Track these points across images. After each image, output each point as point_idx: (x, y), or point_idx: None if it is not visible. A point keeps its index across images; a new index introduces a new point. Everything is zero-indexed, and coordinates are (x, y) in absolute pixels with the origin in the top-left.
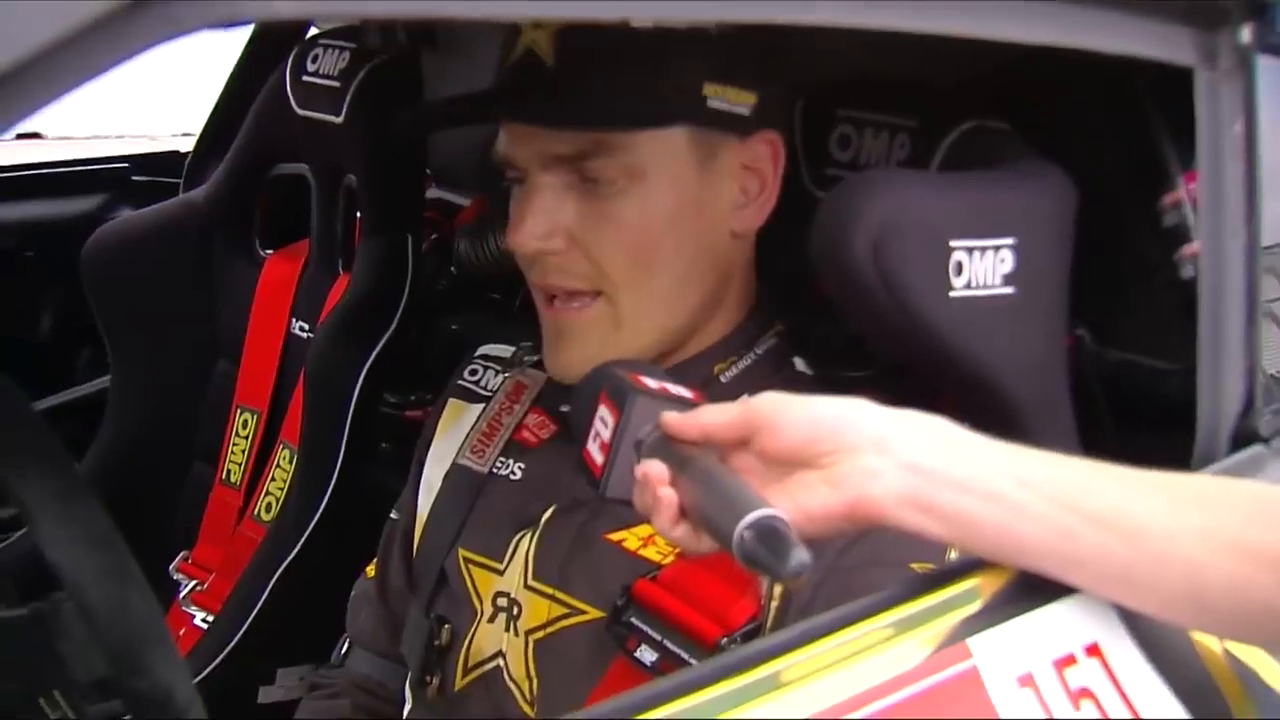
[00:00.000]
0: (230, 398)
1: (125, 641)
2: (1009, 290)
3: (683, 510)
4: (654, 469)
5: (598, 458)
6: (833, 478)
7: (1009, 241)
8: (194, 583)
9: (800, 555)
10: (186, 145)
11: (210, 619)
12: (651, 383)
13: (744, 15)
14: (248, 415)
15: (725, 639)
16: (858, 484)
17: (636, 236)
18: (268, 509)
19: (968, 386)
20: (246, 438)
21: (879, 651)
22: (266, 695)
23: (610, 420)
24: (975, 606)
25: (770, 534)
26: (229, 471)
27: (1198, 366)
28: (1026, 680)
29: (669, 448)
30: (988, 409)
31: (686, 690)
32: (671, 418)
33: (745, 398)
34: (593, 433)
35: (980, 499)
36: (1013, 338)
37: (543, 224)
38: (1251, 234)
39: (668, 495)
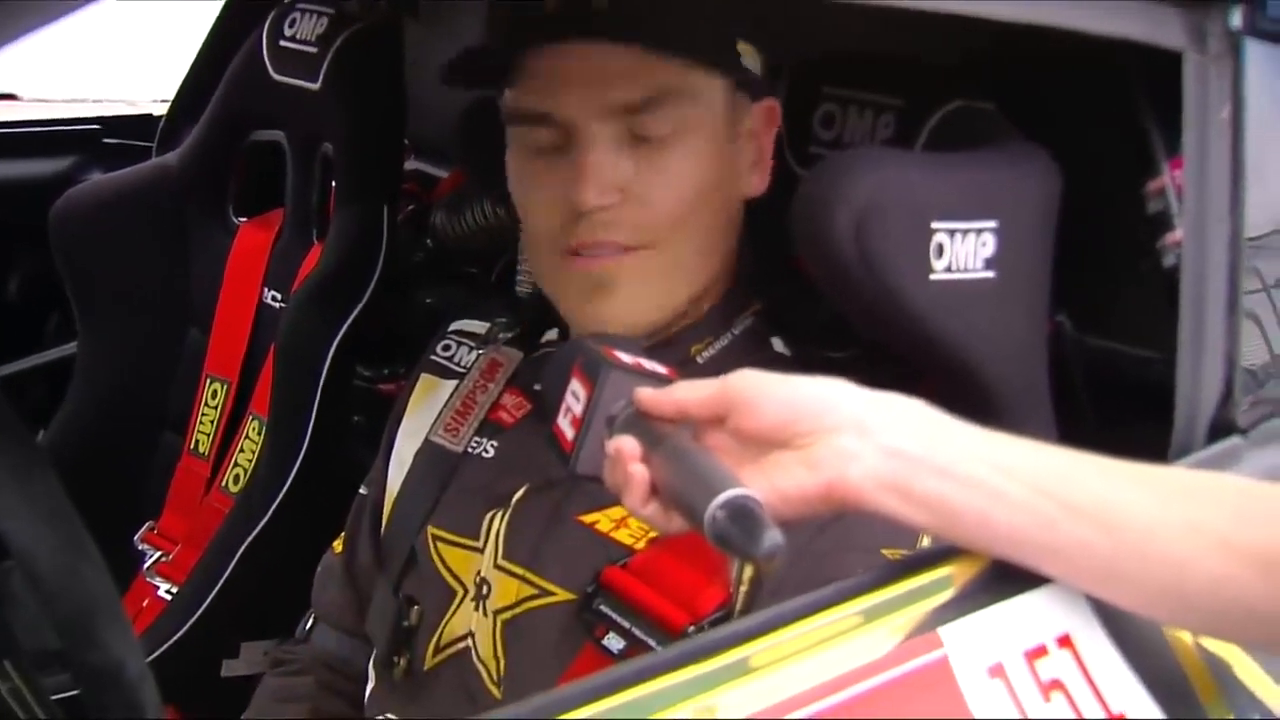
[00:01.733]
0: (200, 366)
1: (76, 613)
2: (990, 274)
3: (654, 488)
4: (626, 445)
5: (569, 433)
6: (810, 459)
7: (991, 224)
8: (159, 553)
9: (773, 536)
10: (161, 110)
11: (175, 590)
12: (626, 357)
13: None
14: (217, 385)
15: (692, 627)
16: (836, 466)
17: (685, 190)
18: (235, 480)
19: (947, 370)
20: (216, 407)
21: (848, 639)
22: (230, 669)
23: (583, 395)
24: (947, 595)
25: (743, 514)
26: (197, 441)
27: (1177, 356)
28: (997, 671)
29: (642, 424)
30: (966, 393)
31: (652, 674)
32: (646, 393)
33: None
34: (564, 407)
35: (960, 485)
36: (993, 322)
37: (605, 179)
38: (1235, 222)
39: (639, 472)
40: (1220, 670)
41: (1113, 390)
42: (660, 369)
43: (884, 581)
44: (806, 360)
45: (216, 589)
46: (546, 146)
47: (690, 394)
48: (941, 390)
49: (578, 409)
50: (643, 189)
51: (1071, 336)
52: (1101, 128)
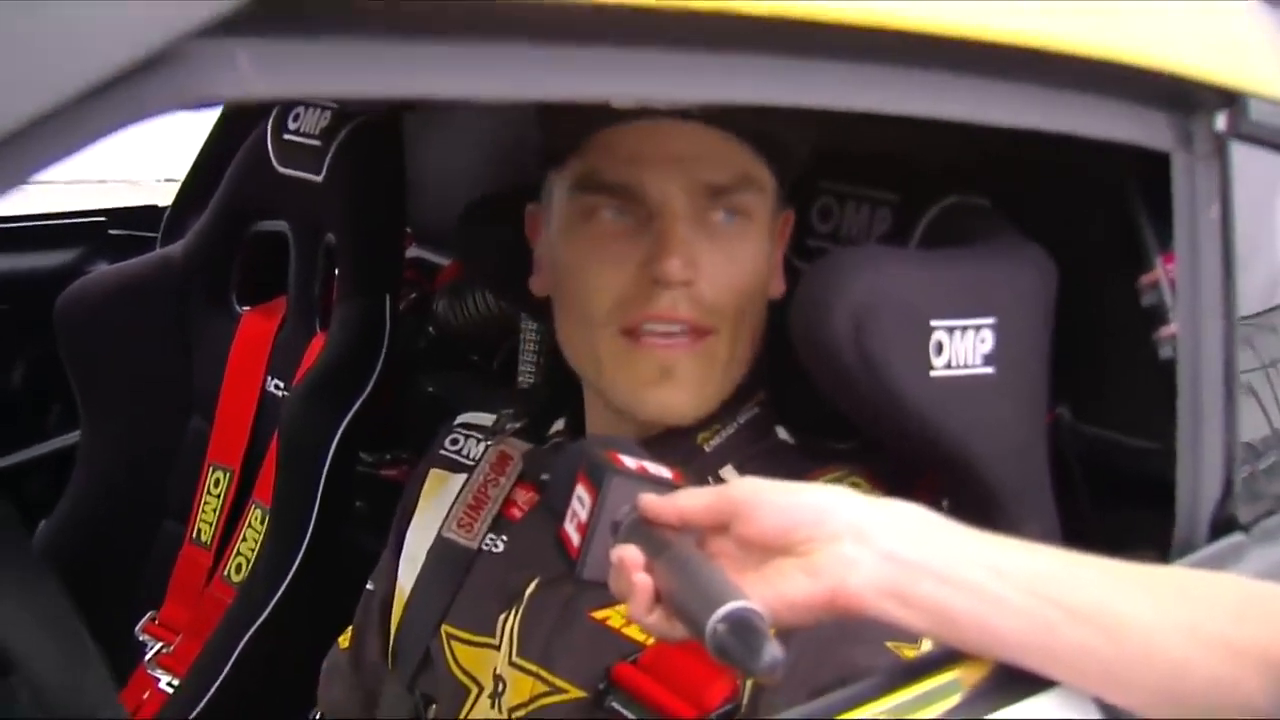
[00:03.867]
0: (203, 455)
1: None
2: (989, 370)
3: (658, 596)
4: (629, 554)
5: (574, 538)
6: (811, 566)
7: (989, 321)
8: (160, 644)
9: (772, 651)
10: (167, 194)
11: (176, 683)
12: (630, 462)
13: (728, 97)
14: (220, 473)
15: None
16: (836, 573)
17: (747, 278)
18: (238, 569)
19: (947, 465)
20: (218, 496)
21: None
22: None
23: (587, 500)
24: (955, 699)
25: (744, 627)
26: (199, 530)
27: (1177, 451)
28: None
29: (646, 531)
30: (968, 487)
31: None
32: (649, 500)
33: (730, 470)
34: (570, 512)
35: (959, 590)
36: (993, 417)
37: (689, 251)
38: (1228, 316)
39: (642, 581)
40: None
41: (1111, 480)
42: (665, 473)
43: (893, 687)
44: (811, 450)
45: (219, 682)
46: (617, 221)
47: (692, 502)
48: (943, 483)
49: (583, 514)
50: (713, 271)
51: (1069, 427)
52: (1095, 223)
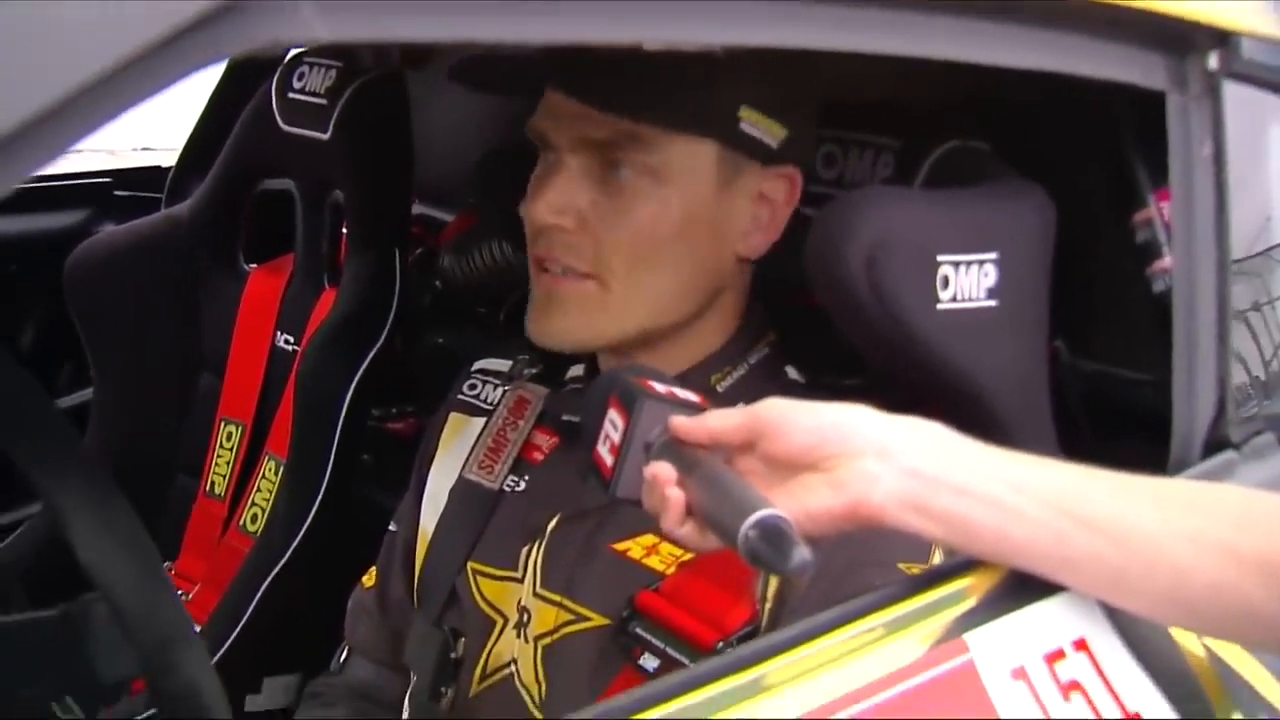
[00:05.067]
0: (214, 410)
1: (157, 642)
2: (992, 303)
3: (689, 510)
4: (662, 470)
5: (608, 459)
6: (835, 480)
7: (992, 256)
8: (179, 593)
9: (802, 553)
10: (169, 160)
11: (197, 628)
12: (660, 387)
13: (742, 38)
14: (232, 428)
15: (721, 643)
16: (859, 487)
17: (644, 235)
18: (253, 519)
19: (955, 395)
20: (231, 450)
21: (875, 649)
22: (253, 704)
23: (620, 423)
24: (969, 604)
25: (774, 533)
26: (213, 483)
27: (1173, 377)
28: (1019, 673)
29: (676, 450)
30: (973, 416)
31: (674, 694)
32: (680, 421)
33: (742, 406)
34: (603, 435)
35: (977, 503)
36: (996, 348)
37: (560, 200)
38: (1221, 249)
39: (675, 495)
40: (1225, 670)
41: (1108, 411)
42: (693, 397)
43: (907, 594)
44: (821, 387)
45: (240, 626)
46: (542, 166)
47: (721, 421)
48: (949, 413)
49: (616, 437)
50: (601, 224)
51: (1067, 361)
52: (1090, 163)
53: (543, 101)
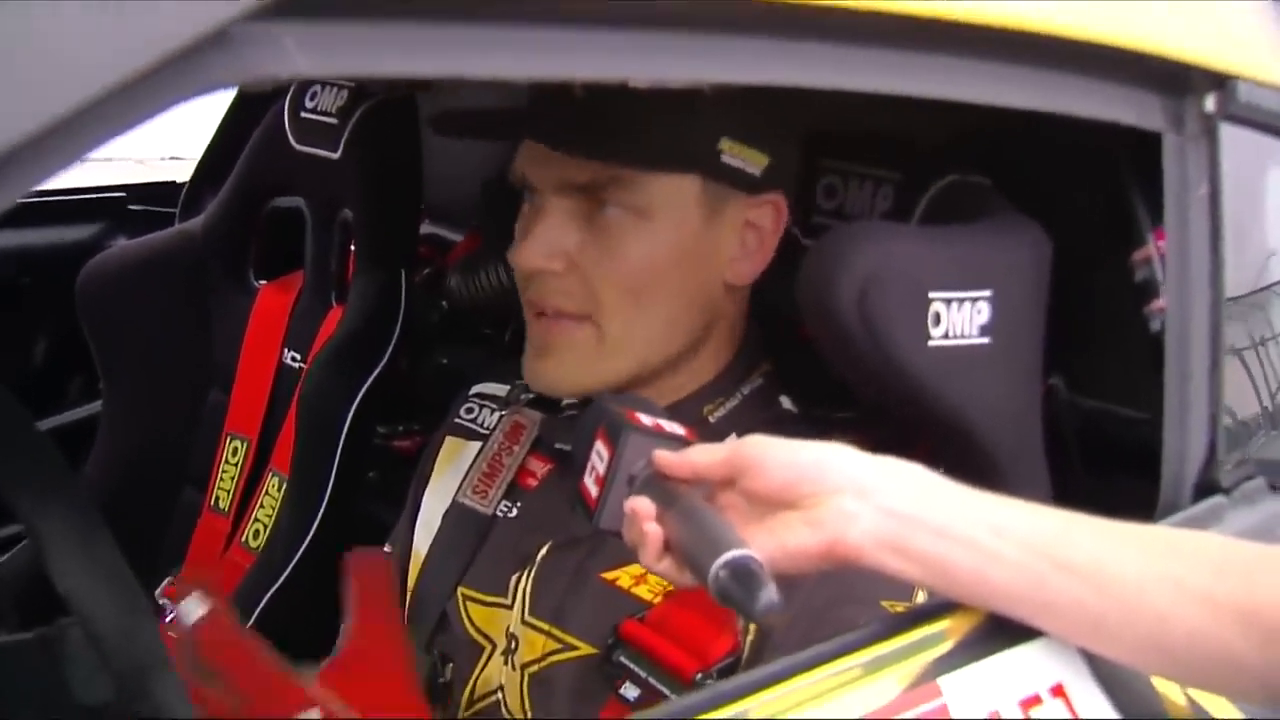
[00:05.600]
0: (221, 425)
1: (131, 669)
2: (985, 340)
3: (668, 545)
4: (641, 505)
5: (593, 491)
6: (813, 519)
7: (986, 294)
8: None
9: (769, 595)
10: (184, 174)
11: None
12: (647, 420)
13: (736, 77)
14: (238, 443)
15: (701, 674)
16: (836, 526)
17: (634, 272)
18: (255, 535)
19: (945, 432)
20: (236, 465)
21: (852, 689)
22: None
23: (605, 455)
24: (946, 647)
25: (744, 573)
26: (217, 498)
27: (1164, 418)
28: (993, 718)
29: (660, 484)
30: (964, 453)
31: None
32: (663, 456)
33: (733, 438)
34: (589, 467)
35: (955, 544)
36: (988, 386)
37: (546, 245)
38: (1215, 291)
39: (653, 531)
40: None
41: (1103, 449)
42: (679, 430)
43: (885, 635)
44: (814, 419)
45: None
46: (528, 210)
47: (703, 457)
48: (940, 449)
49: (601, 469)
50: (587, 263)
51: (1065, 398)
52: (1091, 200)
53: (522, 146)
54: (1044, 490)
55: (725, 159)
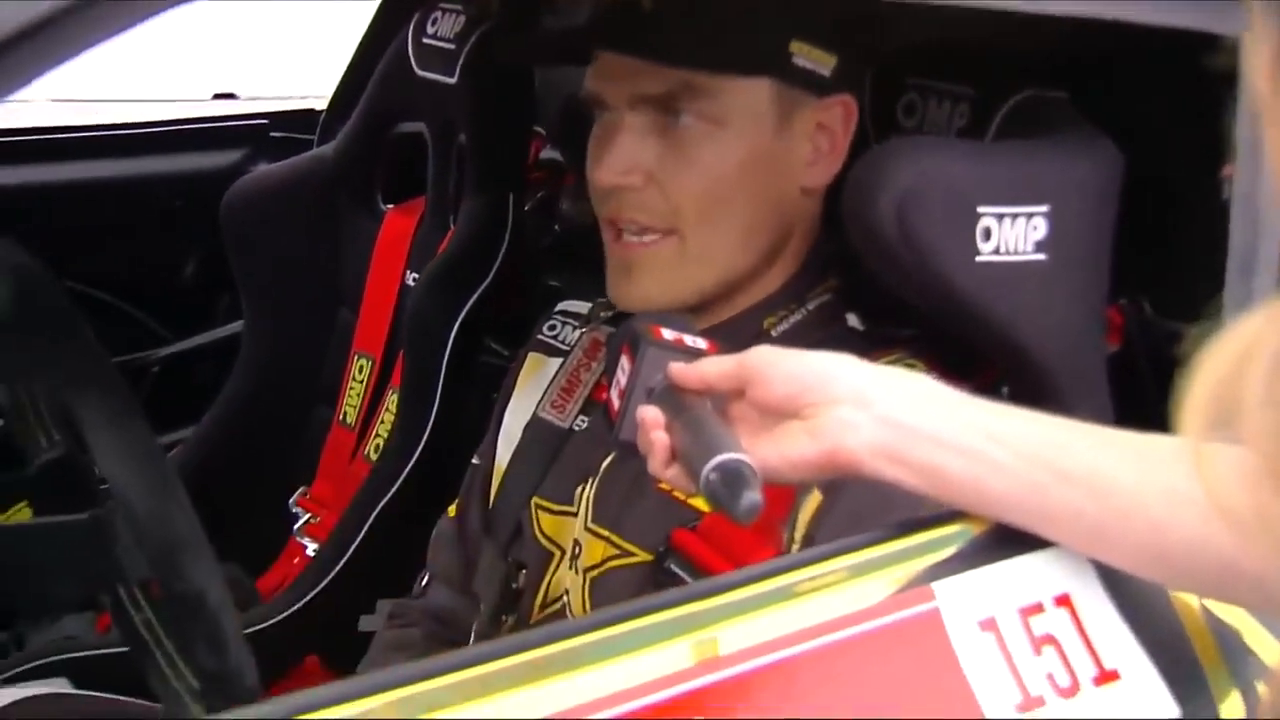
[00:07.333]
0: (349, 344)
1: (165, 548)
2: (1041, 257)
3: (676, 453)
4: (650, 414)
5: (615, 403)
6: (813, 428)
7: (1042, 209)
8: (309, 515)
9: (751, 497)
10: (322, 104)
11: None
12: (669, 334)
13: None
14: (363, 361)
15: None
16: (835, 435)
17: (712, 180)
18: (376, 449)
19: (999, 350)
20: (362, 382)
21: (836, 590)
22: (366, 623)
23: (627, 369)
24: (945, 553)
25: (732, 476)
26: (345, 413)
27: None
28: (989, 625)
29: (674, 395)
30: (1021, 372)
31: (663, 607)
32: (676, 367)
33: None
34: (615, 380)
35: (953, 453)
36: (1043, 303)
37: (624, 160)
38: None
39: (660, 439)
40: (1226, 636)
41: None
42: (701, 344)
43: (882, 539)
44: (874, 335)
45: (351, 550)
46: (600, 127)
47: (713, 368)
48: (1001, 370)
49: (624, 382)
50: (666, 175)
51: (1149, 319)
52: (1178, 114)
53: (594, 65)
54: (1106, 411)
55: (796, 60)
